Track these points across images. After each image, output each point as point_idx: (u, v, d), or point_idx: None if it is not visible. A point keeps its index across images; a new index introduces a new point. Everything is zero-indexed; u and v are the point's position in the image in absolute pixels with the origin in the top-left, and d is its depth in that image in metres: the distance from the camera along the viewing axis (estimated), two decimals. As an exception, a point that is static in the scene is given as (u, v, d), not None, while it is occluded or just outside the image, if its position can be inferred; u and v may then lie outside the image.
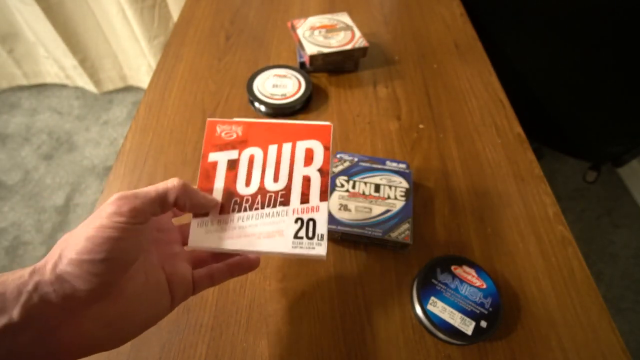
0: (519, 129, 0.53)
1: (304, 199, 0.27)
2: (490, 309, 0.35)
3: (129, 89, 1.64)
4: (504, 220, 0.44)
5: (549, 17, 0.73)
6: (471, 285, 0.36)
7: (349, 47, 0.56)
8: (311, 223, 0.26)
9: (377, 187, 0.42)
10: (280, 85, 0.54)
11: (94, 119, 1.55)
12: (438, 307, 0.35)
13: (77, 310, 0.20)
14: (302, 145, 0.28)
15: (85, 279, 0.19)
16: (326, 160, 0.28)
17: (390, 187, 0.42)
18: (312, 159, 0.28)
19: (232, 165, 0.28)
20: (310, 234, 0.26)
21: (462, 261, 0.38)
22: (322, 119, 0.53)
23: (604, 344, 0.35)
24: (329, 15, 0.62)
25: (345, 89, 0.57)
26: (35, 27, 1.32)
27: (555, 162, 1.42)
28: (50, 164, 1.40)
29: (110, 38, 1.40)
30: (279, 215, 0.26)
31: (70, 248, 0.20)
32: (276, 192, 0.27)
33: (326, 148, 0.28)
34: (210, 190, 0.27)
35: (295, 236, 0.26)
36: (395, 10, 0.72)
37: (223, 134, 0.29)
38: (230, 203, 0.27)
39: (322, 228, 0.26)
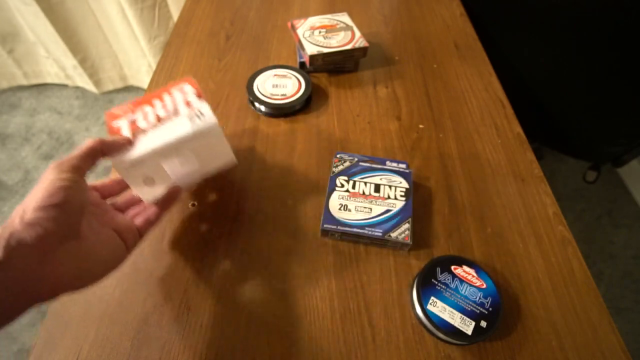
0: (519, 129, 0.53)
1: (189, 105, 0.36)
2: (490, 309, 0.35)
3: (129, 89, 1.64)
4: (504, 220, 0.44)
5: (549, 17, 0.73)
6: (471, 285, 0.36)
7: (349, 47, 0.56)
8: (199, 112, 0.35)
9: (377, 187, 0.42)
10: (280, 85, 0.54)
11: (94, 119, 1.55)
12: (438, 307, 0.35)
13: (50, 250, 0.24)
14: (176, 90, 0.38)
15: (50, 220, 0.24)
16: (197, 90, 0.37)
17: (390, 187, 0.42)
18: (185, 92, 0.37)
19: (132, 120, 0.35)
20: (200, 115, 0.35)
21: (462, 261, 0.38)
22: (322, 118, 0.53)
23: (604, 344, 0.35)
24: (329, 16, 0.62)
25: (345, 89, 0.57)
26: (36, 27, 1.32)
27: (555, 162, 1.42)
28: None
29: (111, 38, 1.40)
30: (176, 120, 0.34)
31: (31, 202, 0.24)
32: (169, 114, 0.35)
33: (193, 87, 0.38)
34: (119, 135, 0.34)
35: (191, 121, 0.34)
36: (395, 10, 0.72)
37: (119, 112, 0.36)
38: (138, 134, 0.33)
39: (207, 110, 0.35)
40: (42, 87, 1.65)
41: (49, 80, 1.63)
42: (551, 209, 0.45)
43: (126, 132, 0.33)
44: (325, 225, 0.40)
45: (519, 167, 0.48)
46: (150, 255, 0.40)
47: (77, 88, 1.65)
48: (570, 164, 1.40)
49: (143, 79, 1.56)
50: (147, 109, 0.36)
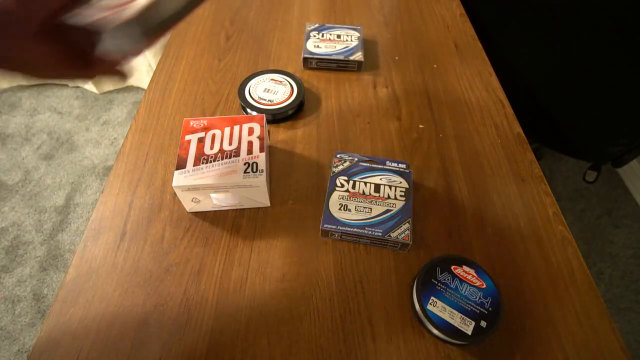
0: (519, 129, 0.53)
1: (249, 151, 0.40)
2: (490, 309, 0.35)
3: (129, 89, 1.64)
4: (504, 220, 0.44)
5: (549, 17, 0.73)
6: (471, 285, 0.36)
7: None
8: (254, 164, 0.39)
9: (377, 187, 0.42)
10: (272, 90, 0.53)
11: (94, 119, 1.55)
12: (438, 307, 0.35)
13: None
14: (246, 126, 0.43)
15: None
16: (262, 132, 0.42)
17: (390, 187, 0.42)
18: (253, 132, 0.42)
19: (201, 140, 0.41)
20: (254, 170, 0.39)
21: (462, 261, 0.38)
22: (322, 118, 0.53)
23: (604, 344, 0.35)
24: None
25: (345, 89, 0.57)
26: (35, 27, 1.31)
27: (555, 162, 1.42)
28: (51, 164, 1.40)
29: (110, 38, 1.40)
30: (233, 162, 0.39)
31: None
32: (231, 150, 0.40)
33: (262, 126, 0.43)
34: (186, 155, 0.40)
35: (245, 172, 0.39)
36: (395, 10, 0.72)
37: (194, 125, 0.43)
38: (200, 159, 0.40)
39: (262, 166, 0.39)
40: (42, 87, 1.65)
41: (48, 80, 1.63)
42: (551, 209, 0.45)
43: (193, 150, 0.40)
44: (325, 225, 0.40)
45: (519, 167, 0.48)
46: (150, 256, 0.40)
47: (77, 88, 1.65)
48: (570, 164, 1.41)
49: (143, 79, 1.56)
50: (217, 134, 0.42)
